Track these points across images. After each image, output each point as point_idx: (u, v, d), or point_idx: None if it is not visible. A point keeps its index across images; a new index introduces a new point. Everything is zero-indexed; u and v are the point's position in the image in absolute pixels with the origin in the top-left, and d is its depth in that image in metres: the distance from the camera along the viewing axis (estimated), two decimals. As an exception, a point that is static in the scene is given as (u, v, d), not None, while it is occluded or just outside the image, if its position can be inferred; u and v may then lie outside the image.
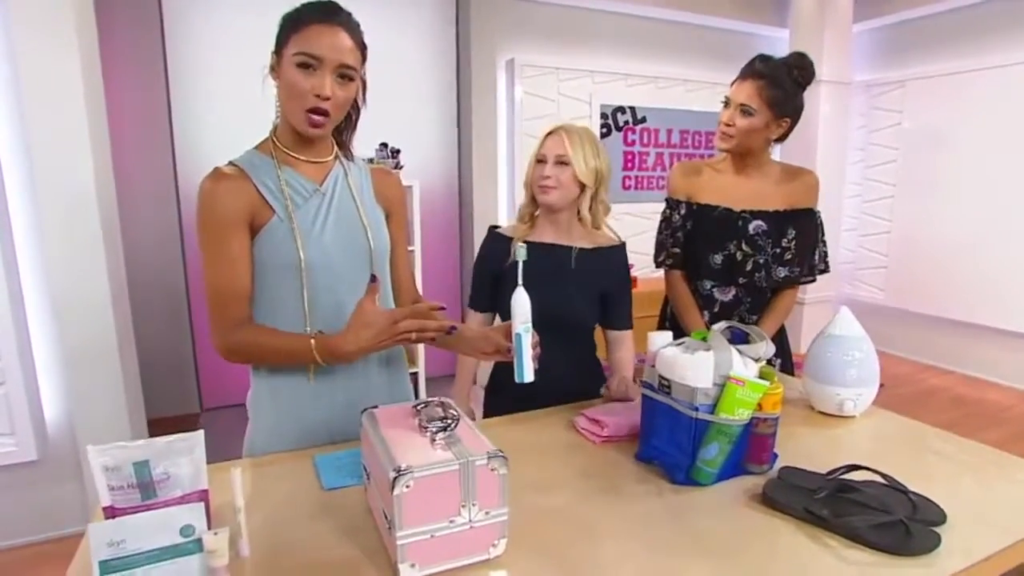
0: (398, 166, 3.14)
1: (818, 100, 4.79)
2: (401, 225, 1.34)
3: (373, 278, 1.11)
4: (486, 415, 1.66)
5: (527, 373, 1.15)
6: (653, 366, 1.22)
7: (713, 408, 1.13)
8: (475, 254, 1.65)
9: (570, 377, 1.56)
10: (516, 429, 1.40)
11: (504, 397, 1.51)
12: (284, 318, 1.20)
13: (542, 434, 1.37)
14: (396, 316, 1.08)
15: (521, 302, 1.12)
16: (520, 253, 1.14)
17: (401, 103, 3.96)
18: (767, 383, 1.15)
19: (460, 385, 1.68)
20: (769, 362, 1.45)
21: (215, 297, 1.14)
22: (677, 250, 1.86)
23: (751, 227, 1.77)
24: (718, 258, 1.79)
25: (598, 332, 1.67)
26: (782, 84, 1.64)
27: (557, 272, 1.55)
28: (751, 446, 1.19)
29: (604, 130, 4.47)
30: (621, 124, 4.55)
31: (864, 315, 1.80)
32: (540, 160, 1.54)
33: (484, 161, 4.05)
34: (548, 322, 1.37)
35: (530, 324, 1.12)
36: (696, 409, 1.13)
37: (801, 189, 1.75)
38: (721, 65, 4.86)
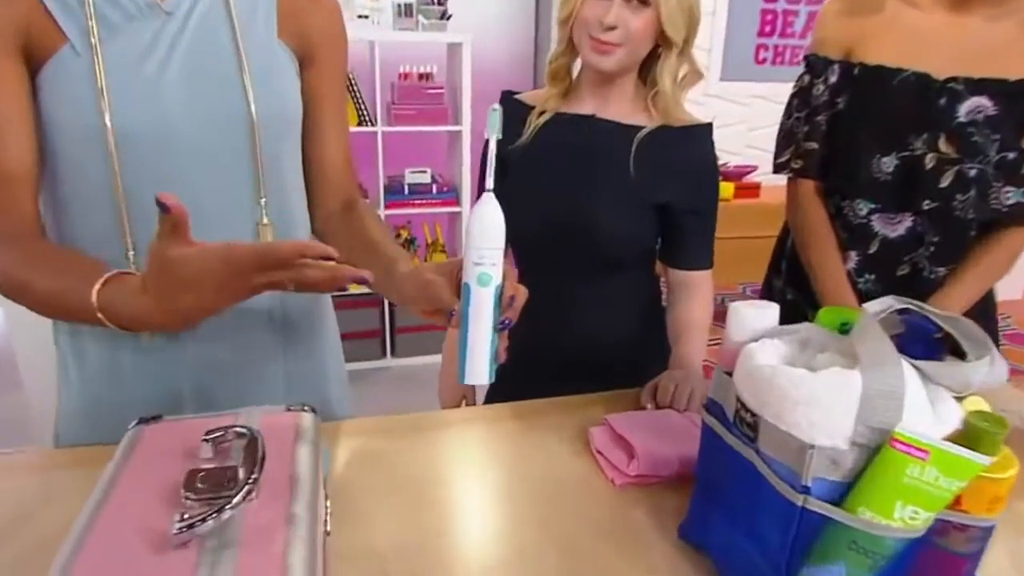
0: (445, 15, 2.48)
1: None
2: (333, 78, 0.88)
3: (163, 207, 0.58)
4: (488, 397, 1.24)
5: (474, 366, 0.63)
6: (729, 374, 0.65)
7: (845, 492, 0.55)
8: None
9: (614, 340, 1.12)
10: (506, 433, 0.91)
11: (514, 370, 0.99)
12: (91, 231, 0.77)
13: (541, 448, 0.88)
14: (240, 266, 0.61)
15: (483, 226, 0.61)
16: (492, 122, 0.61)
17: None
18: (983, 459, 0.51)
19: (449, 367, 1.26)
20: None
21: None
22: (814, 145, 1.22)
23: (963, 109, 1.09)
24: (890, 162, 1.15)
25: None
26: None
27: (595, 164, 1.06)
28: (924, 573, 0.57)
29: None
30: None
31: None
32: None
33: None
34: (577, 249, 1.04)
35: (498, 268, 0.62)
36: (807, 490, 0.55)
37: None
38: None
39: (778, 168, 1.27)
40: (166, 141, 0.74)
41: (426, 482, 0.78)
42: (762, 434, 0.59)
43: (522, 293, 0.65)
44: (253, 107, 0.76)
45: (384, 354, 3.12)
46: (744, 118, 3.65)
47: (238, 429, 0.53)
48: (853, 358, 0.58)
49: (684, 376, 0.96)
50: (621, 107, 1.07)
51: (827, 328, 0.64)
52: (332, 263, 0.62)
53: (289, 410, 0.60)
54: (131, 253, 0.76)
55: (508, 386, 1.16)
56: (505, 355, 0.64)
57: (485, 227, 0.61)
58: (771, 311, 0.68)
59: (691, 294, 1.10)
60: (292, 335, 0.89)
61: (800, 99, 1.25)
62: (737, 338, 0.67)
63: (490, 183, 0.61)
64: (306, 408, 0.60)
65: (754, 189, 3.34)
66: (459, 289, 0.63)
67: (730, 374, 0.65)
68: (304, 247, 0.61)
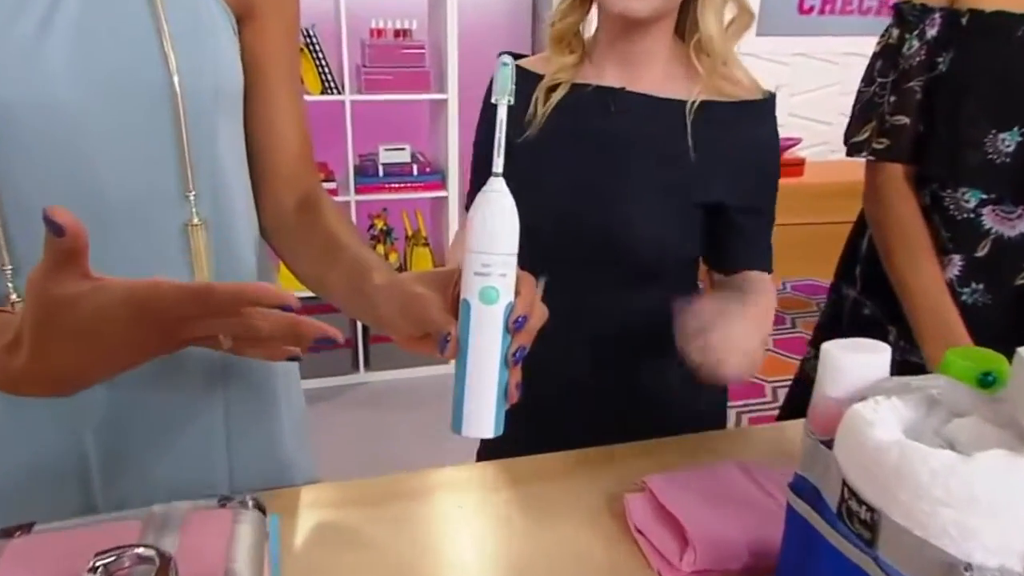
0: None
1: None
2: (282, 36, 0.82)
3: (53, 227, 0.49)
4: (482, 449, 1.17)
5: (476, 412, 0.57)
6: (826, 444, 0.57)
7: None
8: None
9: (649, 372, 1.05)
10: (510, 502, 0.84)
11: (520, 413, 0.94)
12: None
13: (560, 523, 0.80)
14: (156, 312, 0.54)
15: (489, 223, 0.55)
16: (503, 80, 0.55)
17: None
18: None
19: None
20: None
21: None
22: (904, 119, 1.15)
23: None
24: (1009, 140, 1.08)
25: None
26: None
27: (626, 151, 0.99)
28: None
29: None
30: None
31: None
32: None
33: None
34: (603, 259, 0.99)
35: (509, 280, 0.56)
36: (956, 625, 0.45)
37: None
38: None
39: (854, 149, 1.20)
40: (52, 121, 0.66)
41: (410, 571, 0.72)
42: (885, 538, 0.50)
43: (539, 312, 0.58)
44: (175, 76, 0.69)
45: (356, 368, 3.08)
46: (785, 81, 3.59)
47: (141, 551, 0.42)
48: (1014, 428, 0.49)
49: (724, 337, 0.78)
50: (655, 75, 0.99)
51: (960, 379, 0.55)
52: (291, 315, 0.53)
53: (224, 505, 0.51)
54: (8, 270, 0.68)
55: (511, 435, 1.09)
56: (517, 394, 0.57)
57: (492, 224, 0.54)
58: (879, 356, 0.60)
59: (751, 289, 1.00)
60: (235, 378, 0.81)
61: (886, 60, 1.17)
62: (835, 393, 0.59)
63: (499, 165, 0.55)
64: (248, 502, 0.51)
65: (797, 167, 3.27)
66: (455, 307, 0.57)
67: (827, 443, 0.56)
68: (253, 290, 0.53)
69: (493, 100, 0.54)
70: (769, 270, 1.04)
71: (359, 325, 2.98)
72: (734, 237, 1.02)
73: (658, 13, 0.93)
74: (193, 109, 0.70)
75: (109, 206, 0.68)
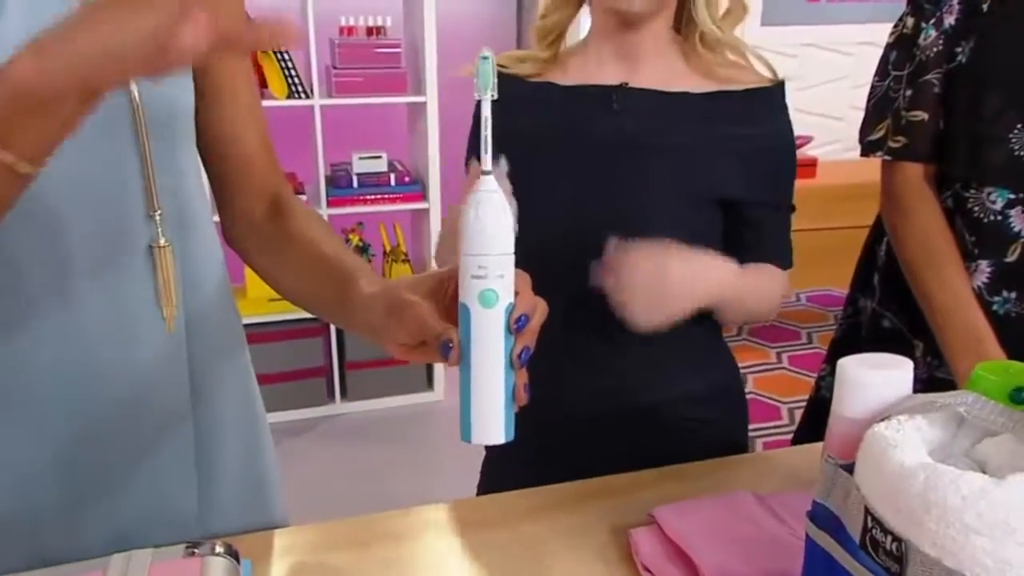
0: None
1: None
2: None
3: None
4: (485, 479, 1.21)
5: (486, 419, 0.61)
6: (846, 469, 0.58)
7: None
8: None
9: (663, 393, 1.08)
10: (510, 540, 0.84)
11: (517, 442, 0.97)
12: None
13: (562, 562, 0.81)
14: None
15: (482, 224, 0.59)
16: (483, 75, 0.59)
17: None
18: None
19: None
20: None
21: None
22: (922, 114, 1.17)
23: None
24: None
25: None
26: None
27: (634, 152, 1.02)
28: None
29: None
30: None
31: None
32: None
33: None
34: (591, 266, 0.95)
35: (507, 282, 0.60)
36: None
37: None
38: None
39: (870, 148, 1.22)
40: None
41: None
42: (913, 570, 0.51)
43: (539, 310, 0.61)
44: (133, 89, 0.70)
45: (331, 397, 3.09)
46: (793, 73, 3.59)
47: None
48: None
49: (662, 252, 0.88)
50: (657, 70, 1.02)
51: (990, 396, 0.56)
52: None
53: (192, 552, 0.51)
54: None
55: (509, 466, 1.09)
56: (526, 396, 0.61)
57: (486, 225, 0.57)
58: (901, 372, 0.61)
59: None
60: (205, 410, 0.82)
61: (900, 51, 1.20)
62: (854, 413, 0.61)
63: (487, 163, 0.58)
64: (218, 549, 0.51)
65: (809, 167, 3.32)
66: (451, 311, 0.60)
67: (847, 468, 0.57)
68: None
69: (476, 96, 0.57)
70: (786, 265, 1.08)
71: (334, 350, 2.99)
72: (750, 233, 1.05)
73: (653, 8, 0.97)
74: (153, 124, 0.72)
75: (73, 228, 0.69)
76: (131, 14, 0.50)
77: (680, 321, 0.94)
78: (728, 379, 1.14)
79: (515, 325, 0.59)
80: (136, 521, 0.76)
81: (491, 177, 0.58)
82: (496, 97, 0.58)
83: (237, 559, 0.52)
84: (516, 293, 0.59)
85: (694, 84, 1.02)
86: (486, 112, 0.58)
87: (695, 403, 1.08)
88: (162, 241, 0.74)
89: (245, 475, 0.88)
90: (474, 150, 1.12)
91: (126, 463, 0.77)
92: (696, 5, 0.99)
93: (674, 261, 0.89)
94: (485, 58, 0.57)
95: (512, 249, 0.59)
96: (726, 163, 1.01)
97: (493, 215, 0.58)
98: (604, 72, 1.03)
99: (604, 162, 1.01)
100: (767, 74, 1.04)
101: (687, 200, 1.01)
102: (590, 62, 1.04)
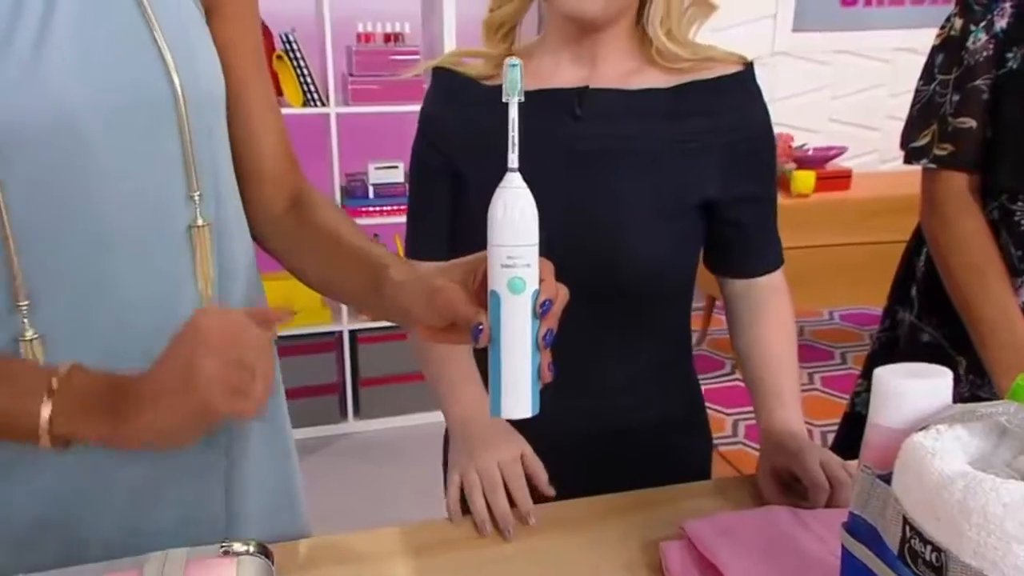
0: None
1: None
2: (248, 30, 0.91)
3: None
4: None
5: (515, 395, 0.69)
6: (883, 479, 0.60)
7: None
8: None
9: (644, 413, 1.10)
10: (529, 555, 0.87)
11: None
12: None
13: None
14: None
15: (510, 216, 0.67)
16: (512, 80, 0.66)
17: None
18: None
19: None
20: None
21: None
22: (969, 122, 1.17)
23: None
24: None
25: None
26: None
27: (603, 157, 1.02)
28: None
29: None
30: None
31: None
32: None
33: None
34: (588, 288, 0.89)
35: (533, 270, 0.68)
36: None
37: None
38: None
39: (914, 155, 1.22)
40: (59, 139, 0.71)
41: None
42: None
43: (561, 295, 0.68)
44: (177, 82, 0.76)
45: (344, 415, 3.11)
46: (826, 82, 3.65)
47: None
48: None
49: (828, 457, 0.91)
50: (618, 71, 1.01)
51: None
52: None
53: (227, 552, 0.54)
54: (24, 305, 0.72)
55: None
56: (550, 374, 0.68)
57: (513, 217, 0.65)
58: (940, 381, 0.62)
59: (763, 310, 1.06)
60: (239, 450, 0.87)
61: (948, 54, 1.20)
62: (891, 423, 0.61)
63: (514, 161, 0.65)
64: (250, 547, 0.54)
65: (843, 179, 3.32)
66: (480, 296, 0.68)
67: (884, 478, 0.59)
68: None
69: (504, 99, 0.63)
70: (779, 263, 1.08)
71: (347, 368, 3.02)
72: (736, 234, 1.04)
73: (610, 13, 0.95)
74: (194, 112, 0.77)
75: (116, 215, 0.74)
76: (182, 397, 0.65)
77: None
78: (695, 399, 1.17)
79: (540, 309, 0.66)
80: (166, 521, 0.80)
81: (517, 174, 0.65)
82: (523, 99, 0.64)
83: (271, 559, 0.54)
84: (540, 280, 0.66)
85: (658, 79, 1.01)
86: (513, 115, 0.64)
87: (672, 422, 1.10)
88: (200, 221, 0.79)
89: (272, 480, 0.91)
90: (424, 154, 1.13)
91: (156, 467, 0.81)
92: (652, 18, 0.97)
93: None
94: (514, 65, 0.64)
95: (537, 240, 0.66)
96: (700, 161, 1.00)
97: (520, 209, 0.65)
98: (562, 74, 1.02)
99: (567, 175, 1.00)
100: (733, 60, 1.02)
101: (664, 208, 1.00)
102: (545, 64, 1.03)
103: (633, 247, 0.99)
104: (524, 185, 0.66)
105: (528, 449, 0.94)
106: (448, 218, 1.10)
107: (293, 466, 0.97)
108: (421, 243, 1.12)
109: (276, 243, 0.91)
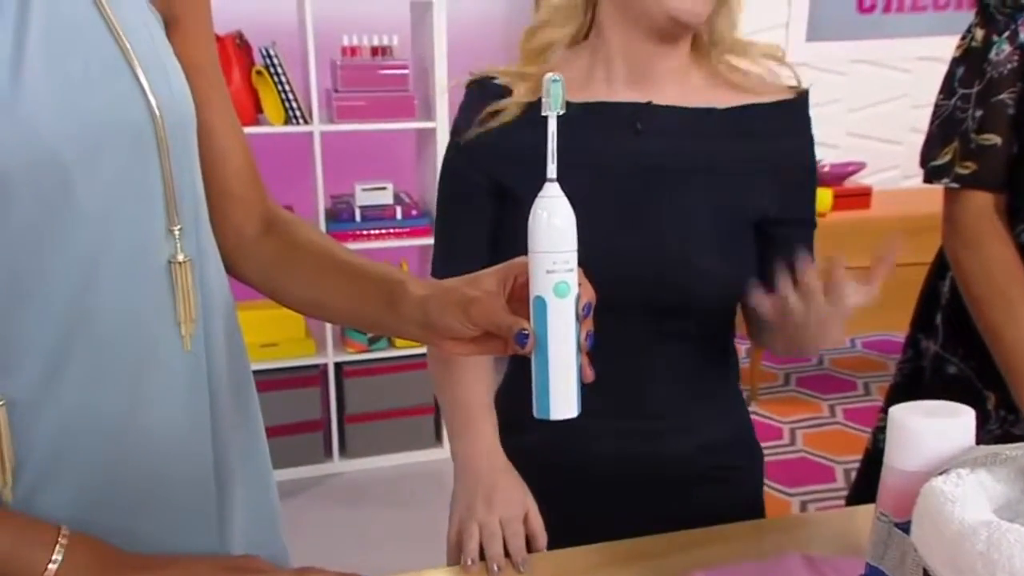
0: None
1: None
2: (205, 44, 0.93)
3: None
4: None
5: (563, 396, 0.76)
6: (901, 527, 0.61)
7: None
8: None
9: (695, 440, 1.13)
10: None
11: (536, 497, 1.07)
12: None
13: None
14: None
15: (552, 224, 0.74)
16: (554, 94, 0.72)
17: None
18: None
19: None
20: None
21: None
22: (993, 138, 1.18)
23: None
24: None
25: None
26: None
27: (667, 175, 1.07)
28: None
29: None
30: None
31: None
32: None
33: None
34: (647, 309, 1.07)
35: (575, 275, 0.76)
36: None
37: None
38: None
39: (934, 174, 1.24)
40: (41, 175, 0.71)
41: None
42: None
43: (593, 298, 0.75)
44: (152, 98, 0.76)
45: (329, 454, 3.11)
46: (843, 94, 3.68)
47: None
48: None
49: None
50: (678, 88, 1.06)
51: None
52: None
53: None
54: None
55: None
56: (591, 373, 0.75)
57: (554, 225, 0.72)
58: (960, 421, 0.63)
59: None
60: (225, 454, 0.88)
61: (969, 67, 1.22)
62: (908, 466, 0.62)
63: (552, 171, 0.72)
64: None
65: (862, 197, 3.34)
66: (516, 305, 0.75)
67: (902, 527, 0.59)
68: None
69: (544, 113, 0.70)
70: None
71: (332, 404, 3.02)
72: (779, 253, 1.05)
73: (708, 14, 1.01)
74: (172, 136, 0.78)
75: (99, 251, 0.74)
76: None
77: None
78: (748, 427, 1.21)
79: (583, 312, 0.73)
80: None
81: (555, 184, 0.72)
82: (563, 112, 0.71)
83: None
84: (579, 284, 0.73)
85: (716, 99, 1.06)
86: (552, 127, 0.71)
87: (723, 450, 1.13)
88: (180, 257, 0.80)
89: (257, 508, 0.95)
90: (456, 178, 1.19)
91: (147, 496, 0.81)
92: (718, 21, 1.04)
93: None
94: (556, 81, 0.71)
95: (576, 246, 0.73)
96: (757, 181, 1.06)
97: (561, 216, 0.72)
98: (617, 90, 1.07)
99: (627, 191, 1.05)
100: (790, 83, 1.09)
101: (726, 225, 1.05)
102: (598, 76, 1.07)
103: (698, 263, 1.05)
104: (563, 194, 0.73)
105: (533, 508, 0.99)
106: (488, 234, 1.15)
107: (274, 488, 1.02)
108: (459, 259, 1.13)
109: (249, 267, 0.92)
